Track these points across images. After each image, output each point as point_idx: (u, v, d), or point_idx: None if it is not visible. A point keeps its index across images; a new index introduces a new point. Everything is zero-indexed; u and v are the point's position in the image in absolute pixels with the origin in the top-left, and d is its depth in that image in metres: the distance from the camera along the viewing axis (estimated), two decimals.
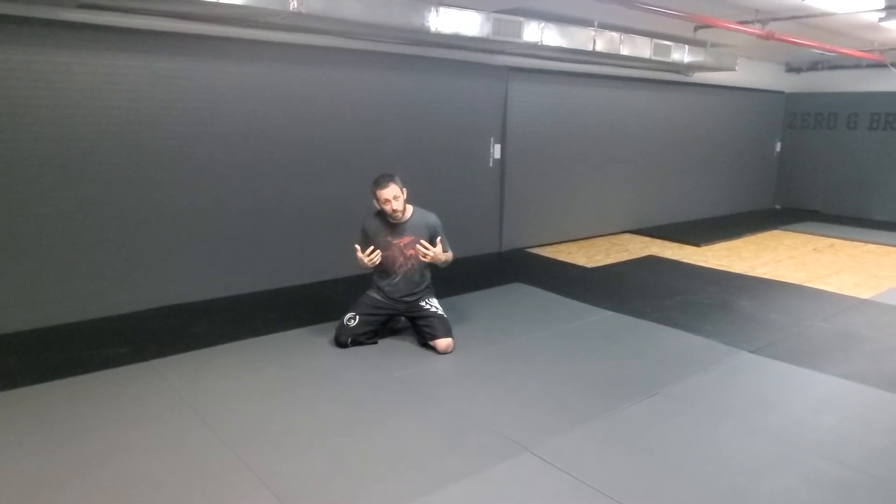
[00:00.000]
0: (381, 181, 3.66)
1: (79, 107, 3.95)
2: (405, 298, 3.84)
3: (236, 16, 4.11)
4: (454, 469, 2.54)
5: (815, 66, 9.33)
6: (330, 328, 3.96)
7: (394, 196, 3.64)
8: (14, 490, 2.35)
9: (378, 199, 3.68)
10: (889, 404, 3.23)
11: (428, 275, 3.93)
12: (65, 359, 3.53)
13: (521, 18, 5.06)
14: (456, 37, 4.83)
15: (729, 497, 2.41)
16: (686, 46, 6.47)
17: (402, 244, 3.77)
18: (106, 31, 3.96)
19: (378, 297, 3.86)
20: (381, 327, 3.91)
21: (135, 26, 4.05)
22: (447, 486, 2.43)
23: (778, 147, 10.08)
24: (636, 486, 2.46)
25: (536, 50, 5.60)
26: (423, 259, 3.71)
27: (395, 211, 3.68)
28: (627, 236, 7.61)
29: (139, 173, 4.24)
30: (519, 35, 5.07)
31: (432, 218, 3.85)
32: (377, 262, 3.71)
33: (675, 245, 7.13)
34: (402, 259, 3.80)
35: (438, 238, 3.78)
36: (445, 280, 4.96)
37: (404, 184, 3.73)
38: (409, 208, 3.82)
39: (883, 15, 5.38)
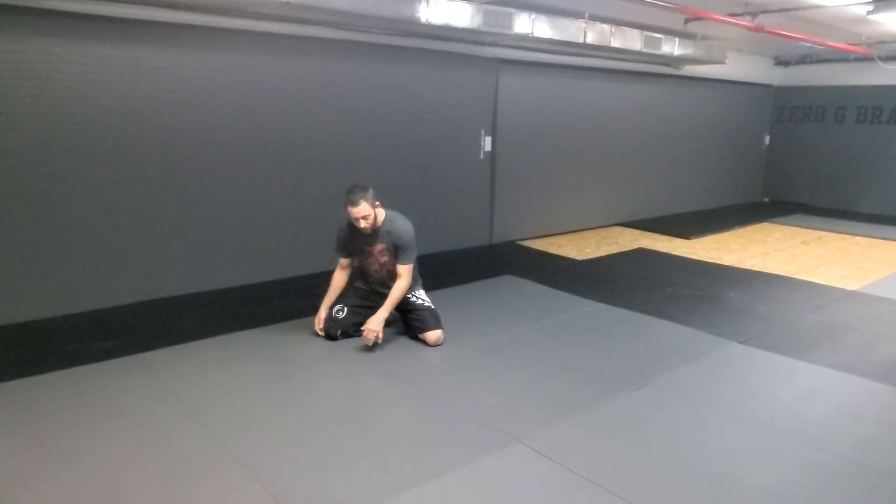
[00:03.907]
0: (354, 199, 3.51)
1: (63, 97, 3.89)
2: (388, 289, 3.78)
3: (224, 5, 4.07)
4: (445, 460, 2.54)
5: (803, 59, 9.38)
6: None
7: (363, 216, 3.55)
8: None
9: (349, 213, 3.59)
10: (876, 394, 3.26)
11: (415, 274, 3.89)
12: (50, 353, 3.49)
13: (512, 10, 5.04)
14: (446, 28, 4.80)
15: (718, 486, 2.42)
16: (676, 39, 6.48)
17: (375, 251, 3.74)
18: (91, 19, 3.90)
19: (364, 288, 3.89)
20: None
21: (121, 15, 4.00)
22: (438, 477, 2.42)
23: (767, 140, 10.14)
24: (627, 475, 2.47)
25: (527, 42, 5.59)
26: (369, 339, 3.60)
27: (364, 227, 3.61)
28: (617, 229, 7.63)
29: (125, 165, 4.19)
30: (509, 27, 5.05)
31: (402, 228, 3.70)
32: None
33: (665, 237, 7.15)
34: (377, 266, 3.78)
35: (399, 249, 3.69)
36: (436, 273, 4.97)
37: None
38: (382, 213, 3.71)
39: (871, 8, 5.41)
